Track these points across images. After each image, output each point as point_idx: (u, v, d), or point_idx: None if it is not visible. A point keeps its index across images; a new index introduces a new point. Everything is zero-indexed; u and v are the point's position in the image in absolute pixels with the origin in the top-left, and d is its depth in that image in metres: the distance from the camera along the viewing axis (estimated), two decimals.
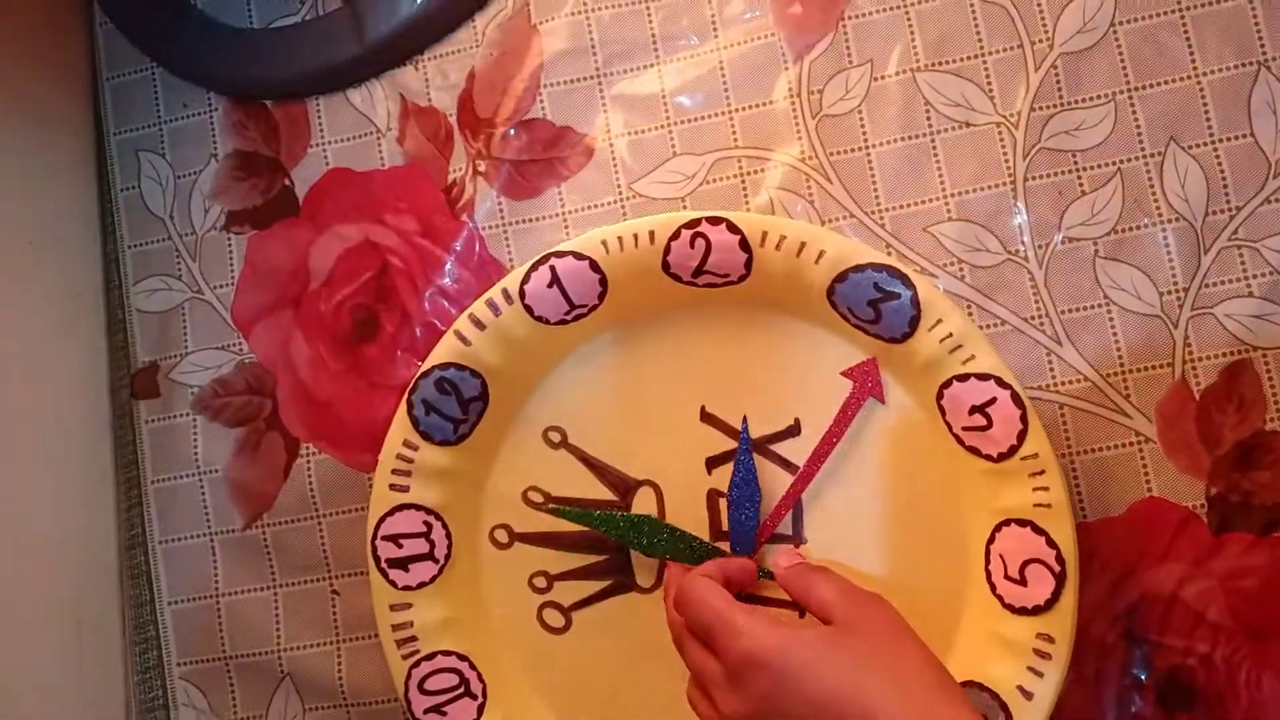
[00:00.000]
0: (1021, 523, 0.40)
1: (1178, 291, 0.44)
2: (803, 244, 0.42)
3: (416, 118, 0.51)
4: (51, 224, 0.52)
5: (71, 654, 0.49)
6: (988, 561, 0.41)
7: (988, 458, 0.41)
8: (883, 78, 0.47)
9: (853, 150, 0.47)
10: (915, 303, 0.41)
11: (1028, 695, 0.39)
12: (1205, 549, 0.43)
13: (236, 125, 0.53)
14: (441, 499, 0.45)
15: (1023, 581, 0.40)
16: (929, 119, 0.46)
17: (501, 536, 0.46)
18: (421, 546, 0.44)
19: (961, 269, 0.46)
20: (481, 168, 0.50)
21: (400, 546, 0.44)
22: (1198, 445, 0.44)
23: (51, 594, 0.49)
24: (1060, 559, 0.39)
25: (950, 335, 0.41)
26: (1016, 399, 0.40)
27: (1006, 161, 0.46)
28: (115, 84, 0.54)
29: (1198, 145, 0.44)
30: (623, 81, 0.49)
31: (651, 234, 0.43)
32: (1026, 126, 0.46)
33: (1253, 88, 0.44)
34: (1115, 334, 0.44)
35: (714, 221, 0.42)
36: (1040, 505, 0.40)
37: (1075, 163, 0.45)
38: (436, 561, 0.44)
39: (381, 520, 0.44)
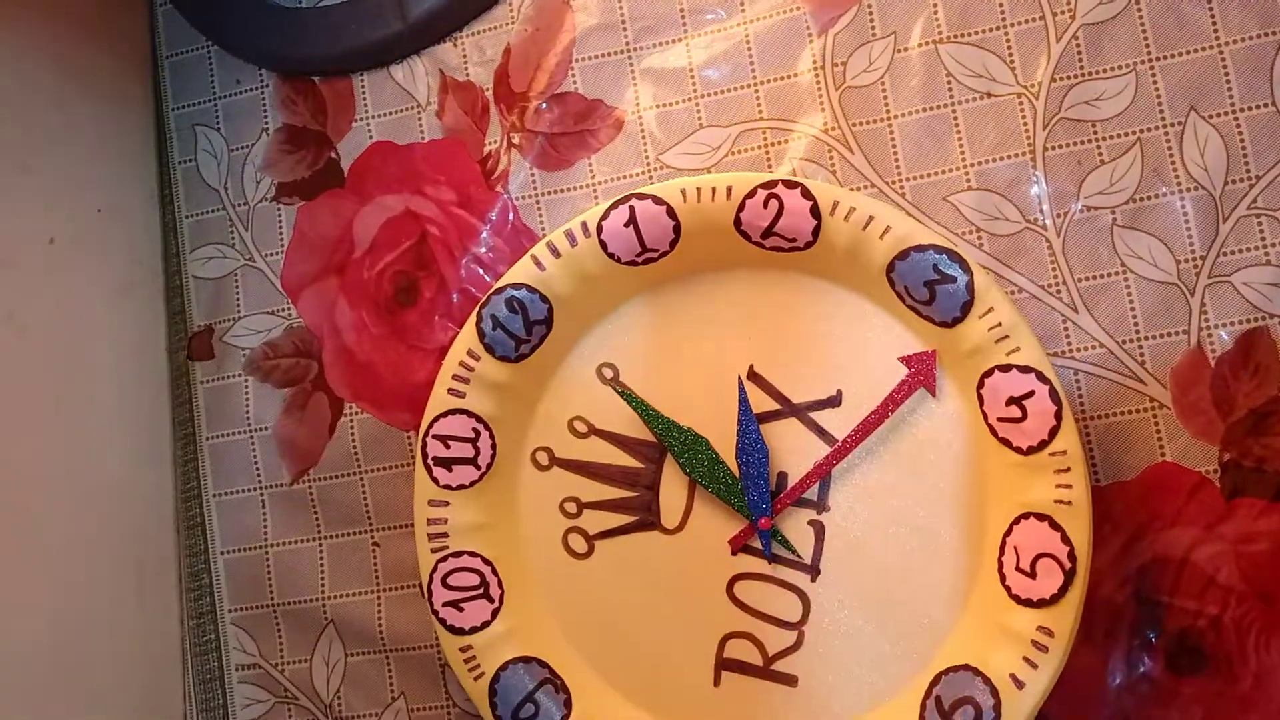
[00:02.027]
0: (1040, 517, 0.41)
1: (1195, 260, 0.45)
2: (870, 218, 0.43)
3: (455, 92, 0.53)
4: (115, 195, 0.55)
5: (132, 599, 0.52)
6: (1001, 552, 0.42)
7: (1017, 450, 0.42)
8: (905, 50, 0.48)
9: (875, 121, 0.48)
10: (970, 289, 0.42)
11: (1019, 684, 0.40)
12: (1217, 514, 0.44)
13: (286, 101, 0.55)
14: (493, 411, 0.47)
15: (1032, 574, 0.41)
16: (950, 90, 0.47)
17: (542, 458, 0.48)
18: (467, 451, 0.46)
19: (980, 237, 0.47)
20: (516, 140, 0.52)
21: (448, 447, 0.46)
22: (1212, 411, 0.44)
23: (114, 542, 0.52)
24: (1072, 556, 0.40)
25: (999, 325, 0.41)
26: (1054, 395, 0.41)
27: (1026, 131, 0.46)
28: (174, 62, 0.57)
29: (1218, 115, 0.45)
30: (652, 56, 0.51)
31: (729, 189, 0.45)
32: (1047, 97, 0.46)
33: (1276, 56, 0.44)
34: (1132, 301, 0.45)
35: (790, 185, 0.44)
36: (1061, 502, 0.40)
37: (1095, 132, 0.46)
38: (479, 468, 0.47)
39: (435, 420, 0.46)
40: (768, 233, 0.44)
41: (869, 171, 0.48)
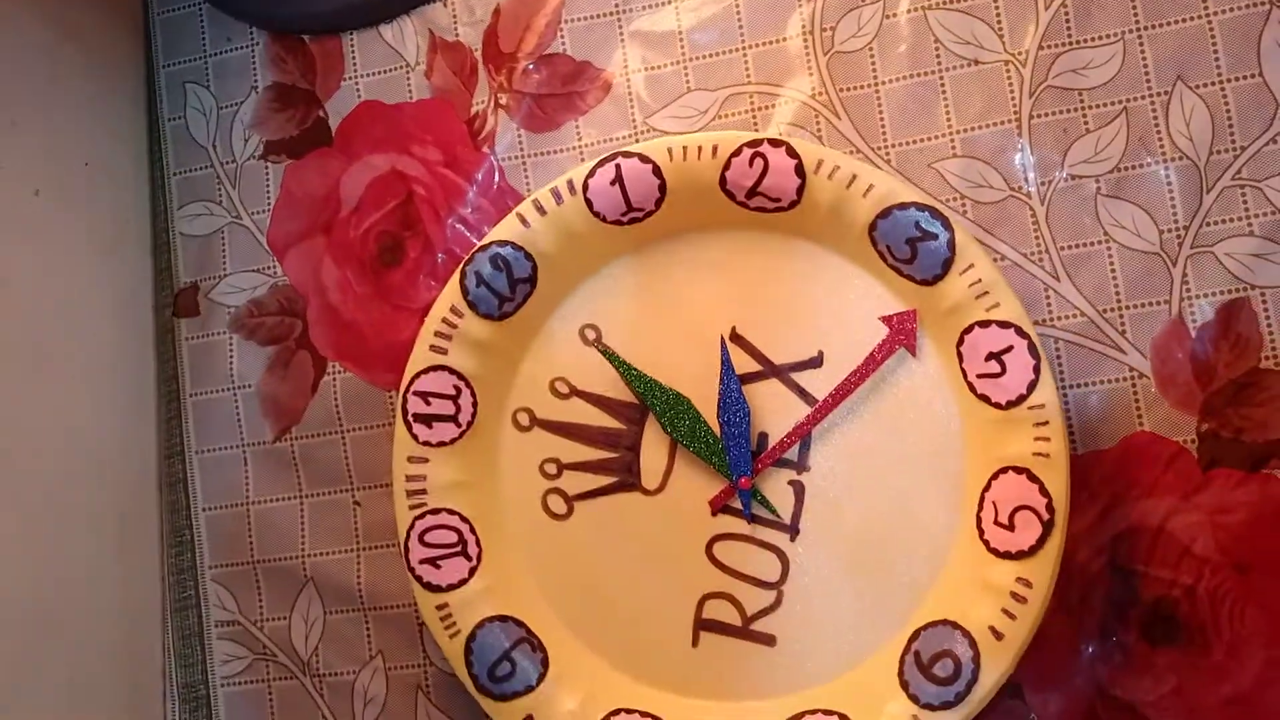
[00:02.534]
0: (1018, 470, 0.41)
1: (1178, 229, 0.44)
2: (854, 176, 0.43)
3: (444, 52, 0.53)
4: (104, 150, 0.55)
5: (113, 554, 0.52)
6: (980, 508, 0.42)
7: (996, 405, 0.42)
8: (894, 16, 0.48)
9: (862, 87, 0.48)
10: (951, 245, 0.42)
11: (998, 635, 0.40)
12: (1194, 483, 0.44)
13: (276, 59, 0.55)
14: (475, 369, 0.47)
15: (1010, 527, 0.41)
16: (938, 57, 0.47)
17: (523, 419, 0.48)
18: (448, 408, 0.46)
19: (964, 204, 0.47)
20: (503, 101, 0.52)
21: (429, 404, 0.46)
22: (1191, 381, 0.44)
23: (96, 497, 0.52)
24: (1050, 507, 0.40)
25: (979, 281, 0.42)
26: (1032, 349, 0.41)
27: (1013, 99, 0.46)
28: (165, 18, 0.57)
29: (1205, 85, 0.44)
30: (641, 18, 0.51)
31: (715, 148, 0.45)
32: (1034, 64, 0.46)
33: (1264, 27, 0.44)
34: (1114, 271, 0.45)
35: (775, 144, 0.44)
36: (1039, 455, 0.41)
37: (1081, 101, 0.46)
38: (459, 426, 0.47)
39: (416, 376, 0.46)
40: (752, 192, 0.44)
41: (855, 137, 0.48)
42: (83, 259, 0.53)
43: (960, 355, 0.42)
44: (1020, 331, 0.41)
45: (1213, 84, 0.44)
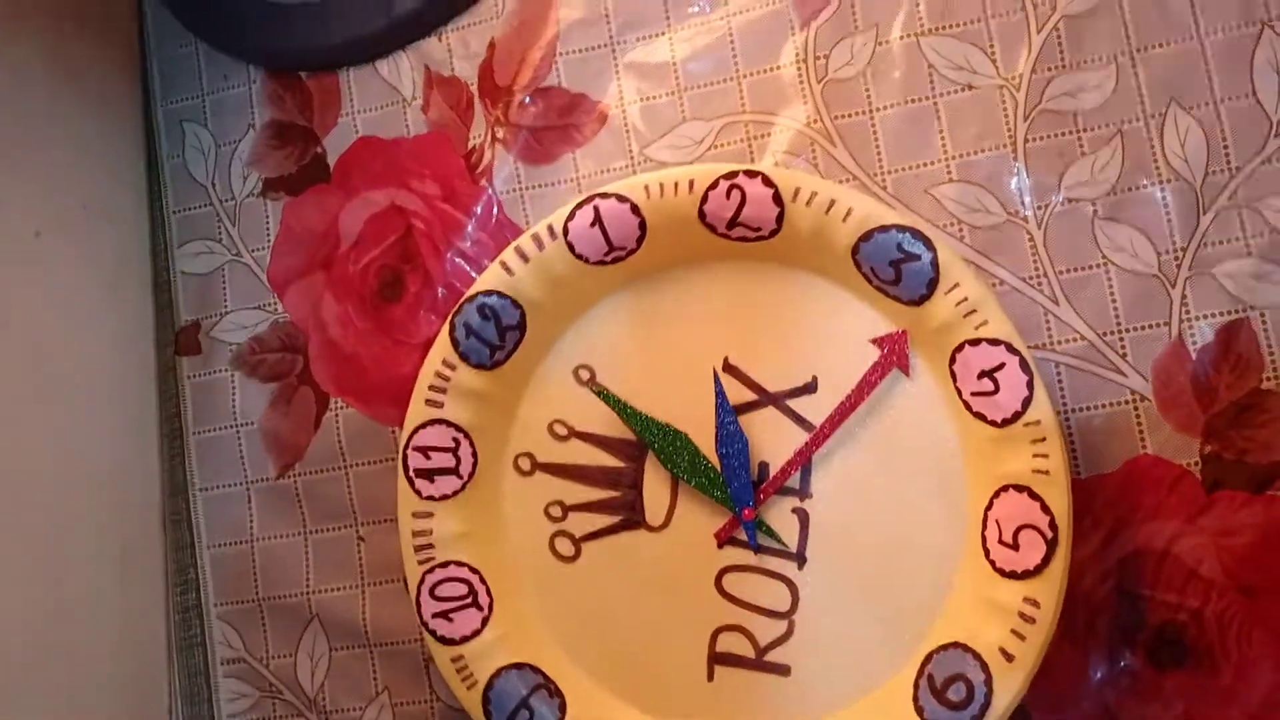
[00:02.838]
0: (1019, 488, 0.41)
1: (1176, 251, 0.45)
2: (833, 201, 0.43)
3: (440, 87, 0.53)
4: (103, 190, 0.55)
5: (118, 593, 0.53)
6: (984, 527, 0.42)
7: (992, 423, 0.41)
8: (887, 42, 0.48)
9: (857, 114, 0.48)
10: (935, 265, 0.42)
11: (1009, 657, 0.40)
12: (1198, 506, 0.44)
13: (273, 96, 0.56)
14: (472, 419, 0.47)
15: (1015, 546, 0.41)
16: (932, 82, 0.47)
17: (524, 464, 0.48)
18: (448, 461, 0.46)
19: (961, 229, 0.47)
20: (500, 134, 0.52)
21: (429, 458, 0.46)
22: (1193, 404, 0.44)
23: (100, 536, 0.52)
24: (1053, 525, 0.40)
25: (966, 299, 0.41)
26: (1024, 366, 0.41)
27: (1008, 124, 0.46)
28: (163, 58, 0.58)
29: (1199, 106, 0.45)
30: (635, 49, 0.51)
31: (691, 182, 0.45)
32: (1028, 89, 0.46)
33: (1255, 48, 0.44)
34: (1113, 293, 0.45)
35: (751, 174, 0.44)
36: (1039, 472, 0.40)
37: (1076, 124, 0.46)
38: (460, 477, 0.47)
39: (414, 432, 0.46)
40: (733, 223, 0.44)
41: (851, 164, 0.48)
42: (85, 298, 0.53)
43: (953, 374, 0.42)
44: (1010, 348, 0.41)
45: (1207, 105, 0.44)
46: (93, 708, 0.50)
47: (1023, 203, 0.46)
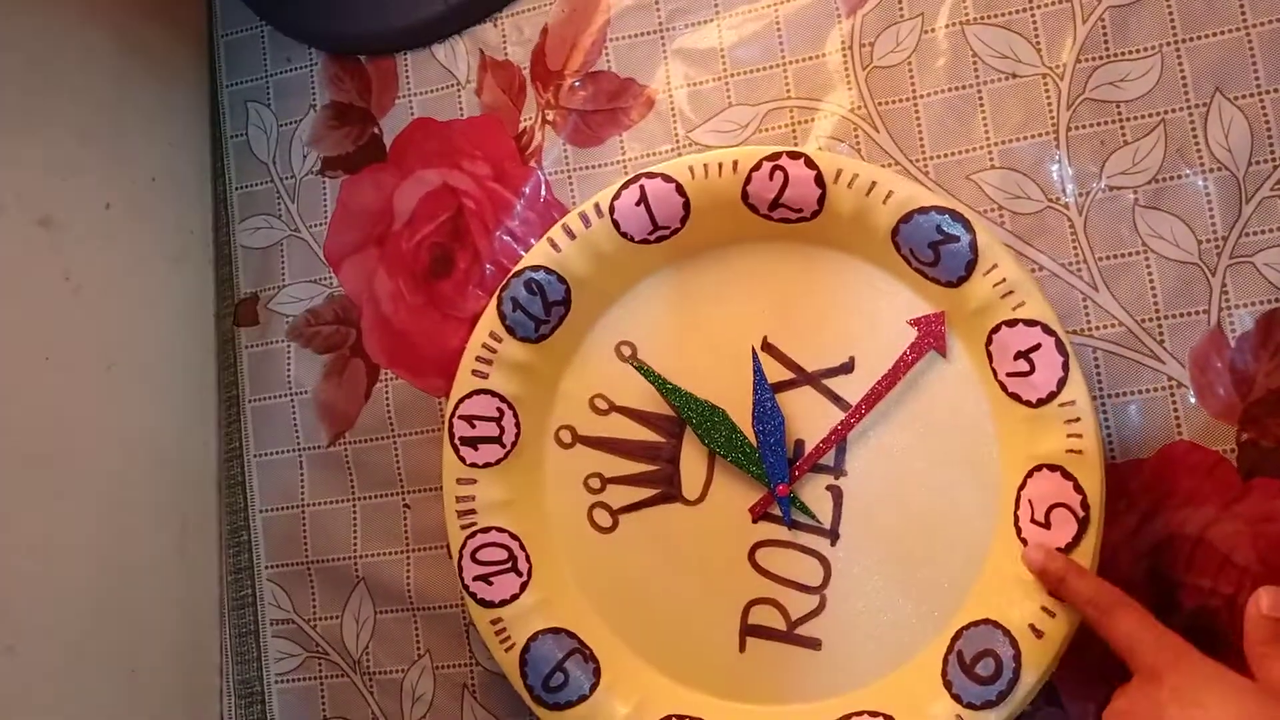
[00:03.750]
0: (1052, 468, 0.41)
1: (1216, 240, 0.45)
2: (873, 183, 0.44)
3: (493, 71, 0.55)
4: (169, 166, 0.58)
5: (174, 553, 0.55)
6: (1017, 506, 0.43)
7: (1027, 404, 0.42)
8: (933, 30, 0.49)
9: (901, 101, 0.49)
10: (974, 247, 0.43)
11: (1038, 634, 0.41)
12: (1234, 493, 0.44)
13: (333, 79, 0.57)
14: (516, 390, 0.48)
15: (1047, 525, 0.41)
16: (976, 71, 0.48)
17: (565, 436, 0.49)
18: (492, 430, 0.48)
19: (1002, 215, 0.47)
20: (550, 117, 0.53)
21: (473, 427, 0.48)
22: (1230, 391, 0.44)
23: (160, 498, 0.54)
24: (1085, 504, 0.40)
25: (1004, 280, 0.42)
26: (1060, 346, 0.41)
27: (1051, 112, 0.47)
28: (228, 40, 0.60)
29: (1244, 96, 0.45)
30: (684, 36, 0.52)
31: (735, 163, 0.46)
32: (1072, 77, 0.47)
33: None
34: (1152, 281, 0.45)
35: (794, 156, 0.45)
36: (1072, 451, 0.41)
37: (1119, 113, 0.46)
38: (504, 446, 0.48)
39: (461, 401, 0.48)
40: (775, 204, 0.45)
41: (894, 150, 0.49)
42: (150, 270, 0.56)
43: (990, 355, 0.43)
44: (1047, 329, 0.41)
45: (1251, 95, 0.45)
46: (149, 663, 0.52)
47: (1064, 190, 0.47)
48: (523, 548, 0.48)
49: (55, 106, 0.50)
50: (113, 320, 0.53)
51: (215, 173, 0.60)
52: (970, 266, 0.42)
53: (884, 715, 0.43)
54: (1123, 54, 0.46)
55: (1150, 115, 0.46)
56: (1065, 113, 0.47)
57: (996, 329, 0.42)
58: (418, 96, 0.56)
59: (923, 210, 0.43)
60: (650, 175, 0.47)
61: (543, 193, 0.53)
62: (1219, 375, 0.44)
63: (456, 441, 0.48)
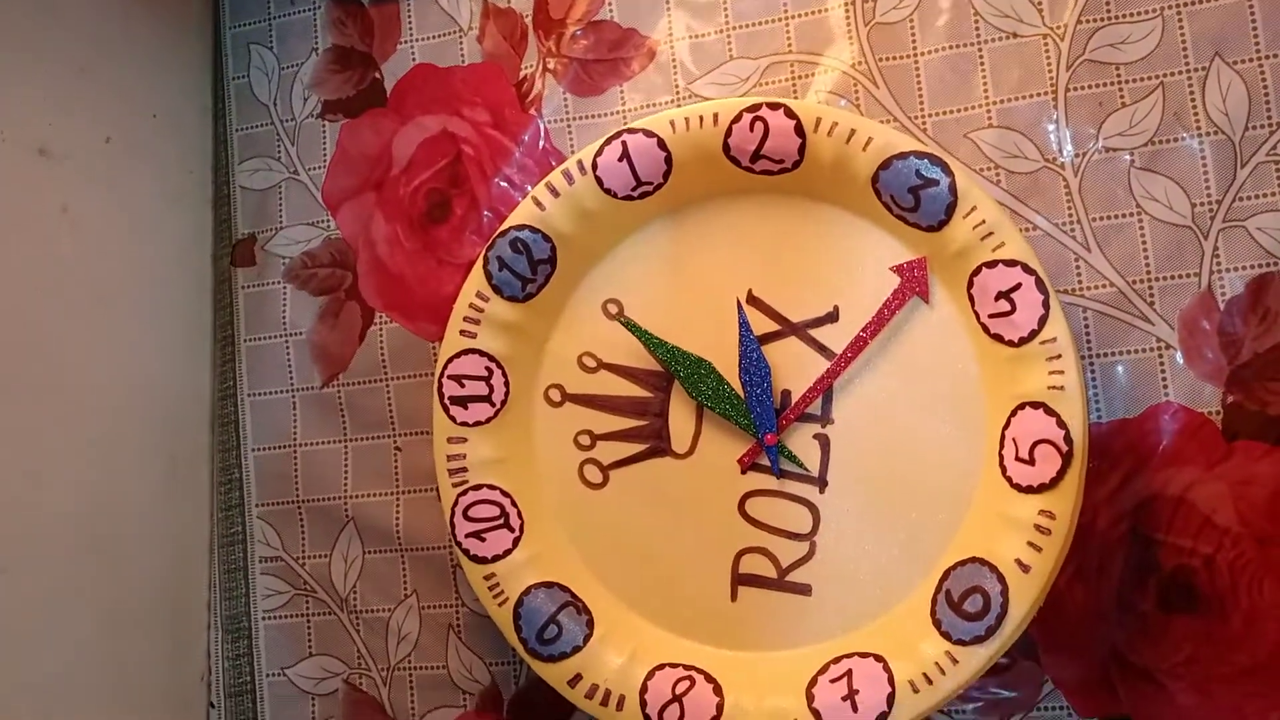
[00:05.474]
0: (1035, 405, 0.42)
1: (1210, 203, 0.45)
2: (852, 131, 0.44)
3: (496, 18, 0.55)
4: (171, 104, 0.58)
5: (165, 489, 0.55)
6: (1002, 445, 0.43)
7: (1010, 344, 0.42)
8: None
9: (901, 57, 0.49)
10: (953, 189, 0.43)
11: (1025, 568, 0.41)
12: (1217, 454, 0.44)
13: (336, 22, 0.57)
14: (505, 349, 0.48)
15: (1031, 461, 0.42)
16: (977, 29, 0.48)
17: (554, 395, 0.49)
18: (482, 389, 0.48)
19: (998, 174, 0.47)
20: (551, 65, 0.53)
21: (463, 386, 0.48)
22: (1218, 354, 0.44)
23: (152, 433, 0.55)
24: (1069, 439, 0.41)
25: (983, 222, 0.43)
26: (1040, 284, 0.42)
27: (1050, 72, 0.47)
28: None
29: (1243, 61, 0.45)
30: None
31: (715, 116, 0.46)
32: (1072, 38, 0.47)
33: None
34: (1145, 242, 0.46)
35: (773, 107, 0.45)
36: (1054, 388, 0.41)
37: (1118, 75, 0.46)
38: (493, 405, 0.48)
39: (449, 360, 0.48)
40: (756, 155, 0.46)
41: (893, 106, 0.49)
42: (149, 207, 0.56)
43: (971, 298, 0.43)
44: (1027, 268, 0.42)
45: (1251, 60, 0.45)
46: (137, 595, 0.52)
47: (1061, 150, 0.47)
48: (514, 504, 0.48)
49: (55, 37, 0.50)
50: (110, 255, 0.53)
51: (216, 114, 0.60)
52: (950, 209, 0.43)
53: (874, 656, 0.43)
54: (1124, 16, 0.46)
55: (1149, 78, 0.46)
56: (1065, 73, 0.47)
57: (977, 271, 0.43)
58: (419, 42, 0.56)
59: (901, 155, 0.43)
60: (631, 131, 0.47)
61: (541, 141, 0.53)
62: (1207, 338, 0.45)
63: (446, 401, 0.48)
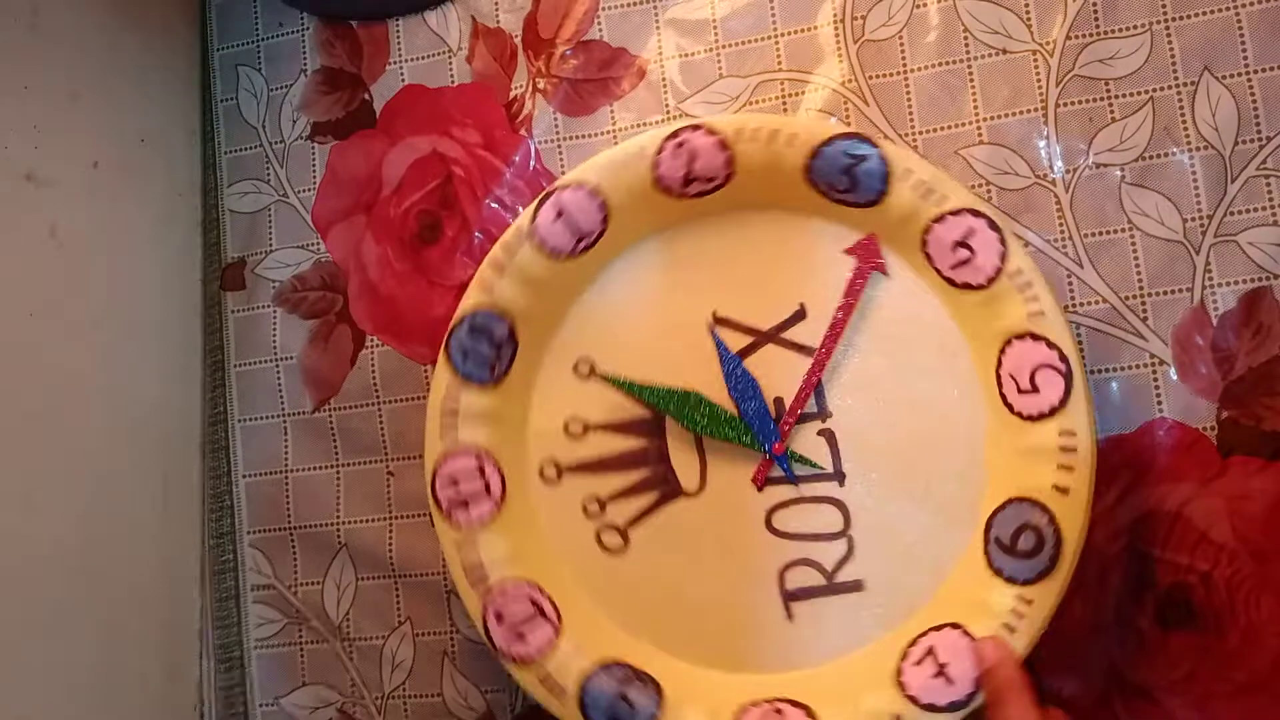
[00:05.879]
0: (1020, 336, 0.42)
1: (1202, 218, 0.45)
2: (774, 131, 0.44)
3: (485, 38, 0.54)
4: (158, 127, 0.57)
5: (156, 516, 0.54)
6: (1000, 385, 0.43)
7: (979, 287, 0.43)
8: (924, 5, 0.49)
9: (891, 75, 0.49)
10: (883, 159, 0.43)
11: (1064, 491, 0.41)
12: (1213, 470, 0.44)
13: (325, 44, 0.57)
14: (489, 440, 0.47)
15: (1035, 389, 0.42)
16: (967, 46, 0.48)
17: (550, 472, 0.48)
18: (478, 485, 0.47)
19: (989, 191, 0.47)
20: (541, 85, 0.53)
21: (458, 485, 0.46)
22: (1212, 369, 0.44)
23: (142, 460, 0.54)
24: (1064, 358, 0.41)
25: (921, 182, 0.43)
26: (993, 224, 0.42)
27: (1040, 88, 0.47)
28: (220, 4, 0.59)
29: (1232, 75, 0.45)
30: (676, 6, 0.52)
31: (641, 149, 0.46)
32: (1061, 54, 0.47)
33: None
34: (1137, 258, 0.45)
35: (693, 128, 0.45)
36: (1035, 314, 0.42)
37: (1108, 90, 0.46)
38: (493, 499, 0.46)
39: (439, 465, 0.46)
40: (688, 180, 0.45)
41: (883, 124, 0.49)
42: (137, 230, 0.55)
43: (928, 256, 0.44)
44: (975, 213, 0.42)
45: (1239, 75, 0.45)
46: (128, 624, 0.52)
47: (1051, 166, 0.47)
48: (543, 593, 0.46)
49: (44, 63, 0.50)
50: (99, 279, 0.52)
51: (205, 136, 0.59)
52: (885, 179, 0.43)
53: (950, 625, 0.42)
54: (1113, 31, 0.46)
55: (1139, 93, 0.46)
56: (1054, 89, 0.47)
57: (928, 230, 0.43)
58: (409, 63, 0.56)
59: (827, 141, 0.43)
60: (561, 187, 0.46)
61: (532, 161, 0.53)
62: (1201, 353, 0.45)
63: (446, 508, 0.46)
